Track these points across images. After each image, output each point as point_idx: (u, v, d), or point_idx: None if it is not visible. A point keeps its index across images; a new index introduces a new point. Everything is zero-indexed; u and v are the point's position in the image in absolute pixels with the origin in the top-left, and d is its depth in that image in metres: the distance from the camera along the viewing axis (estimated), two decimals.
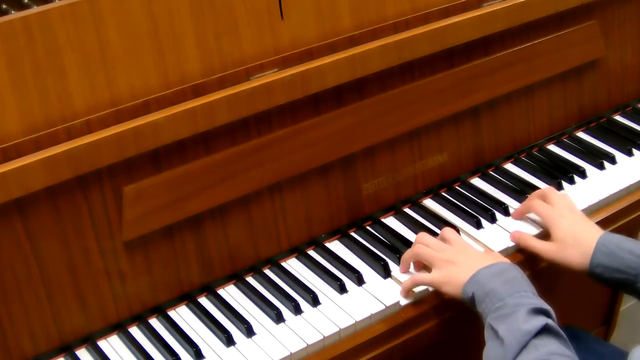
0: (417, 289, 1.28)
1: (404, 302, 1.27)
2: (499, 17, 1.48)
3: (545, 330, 1.08)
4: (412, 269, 1.32)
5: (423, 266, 1.31)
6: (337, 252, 1.39)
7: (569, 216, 1.33)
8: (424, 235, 1.32)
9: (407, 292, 1.28)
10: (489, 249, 1.35)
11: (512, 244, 1.37)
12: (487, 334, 1.12)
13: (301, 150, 1.34)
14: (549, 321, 1.09)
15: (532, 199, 1.40)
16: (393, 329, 1.25)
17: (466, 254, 1.25)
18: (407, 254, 1.31)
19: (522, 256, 1.37)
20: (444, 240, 1.31)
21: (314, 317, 1.25)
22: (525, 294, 1.13)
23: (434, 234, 1.39)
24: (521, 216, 1.42)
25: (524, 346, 1.06)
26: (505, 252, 1.37)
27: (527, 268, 1.37)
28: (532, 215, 1.42)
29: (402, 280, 1.30)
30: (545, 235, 1.37)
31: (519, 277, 1.17)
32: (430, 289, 1.28)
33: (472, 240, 1.39)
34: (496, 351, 1.09)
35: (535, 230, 1.39)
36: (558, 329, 1.09)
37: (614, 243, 1.25)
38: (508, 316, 1.10)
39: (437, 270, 1.25)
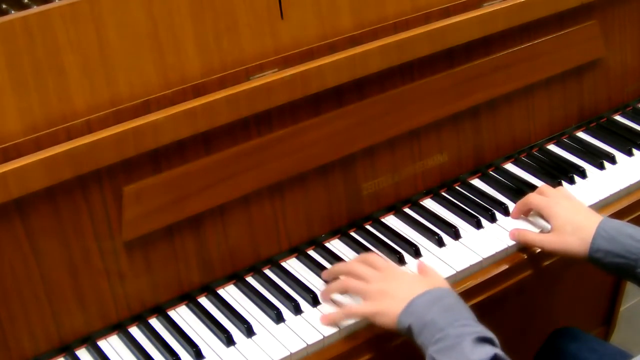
0: (346, 322, 1.23)
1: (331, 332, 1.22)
2: (499, 17, 1.48)
3: None
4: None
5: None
6: (337, 252, 1.39)
7: (566, 204, 1.33)
8: (351, 264, 1.27)
9: (333, 323, 1.23)
10: (424, 265, 1.28)
11: (512, 243, 1.37)
12: None
13: (301, 150, 1.34)
14: (497, 351, 1.04)
15: (528, 196, 1.40)
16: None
17: (397, 281, 1.19)
18: (333, 286, 1.26)
19: (525, 255, 1.37)
20: (371, 266, 1.24)
21: (314, 317, 1.25)
22: (466, 322, 1.08)
23: (434, 234, 1.40)
24: (519, 214, 1.42)
25: None
26: (505, 252, 1.37)
27: (529, 268, 1.37)
28: (530, 217, 1.42)
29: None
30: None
31: (456, 303, 1.12)
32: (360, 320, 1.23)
33: (475, 241, 1.39)
34: None
35: (536, 231, 1.39)
36: (506, 358, 1.05)
37: (614, 228, 1.25)
38: (452, 348, 1.05)
39: (368, 302, 1.19)
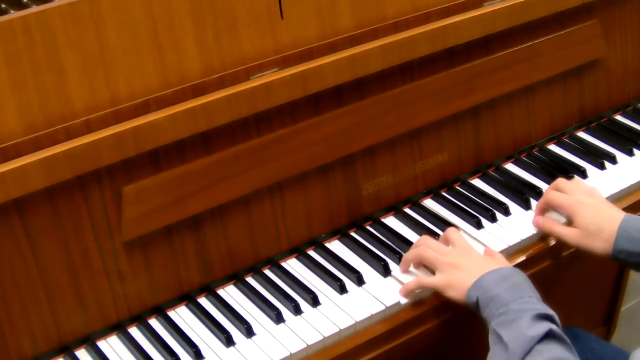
0: (421, 293, 1.28)
1: (404, 301, 1.27)
2: (499, 17, 1.48)
3: (549, 336, 1.08)
4: (411, 268, 1.32)
5: (423, 265, 1.30)
6: (337, 252, 1.38)
7: (588, 201, 1.32)
8: (426, 238, 1.32)
9: (409, 293, 1.28)
10: (490, 249, 1.35)
11: (513, 242, 1.37)
12: (492, 339, 1.12)
13: (301, 150, 1.33)
14: (553, 326, 1.09)
15: (547, 193, 1.39)
16: (393, 329, 1.25)
17: (470, 257, 1.25)
18: (410, 255, 1.31)
19: (523, 257, 1.37)
20: (446, 241, 1.30)
21: (314, 318, 1.25)
22: (529, 300, 1.13)
23: (435, 234, 1.39)
24: (542, 213, 1.40)
25: (528, 352, 1.06)
26: (506, 253, 1.36)
27: (526, 269, 1.37)
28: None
29: (402, 280, 1.30)
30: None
31: (523, 282, 1.17)
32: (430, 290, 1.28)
33: (473, 240, 1.38)
34: (500, 356, 1.09)
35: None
36: (562, 334, 1.09)
37: (636, 228, 1.25)
38: (512, 322, 1.10)
39: (441, 274, 1.24)
